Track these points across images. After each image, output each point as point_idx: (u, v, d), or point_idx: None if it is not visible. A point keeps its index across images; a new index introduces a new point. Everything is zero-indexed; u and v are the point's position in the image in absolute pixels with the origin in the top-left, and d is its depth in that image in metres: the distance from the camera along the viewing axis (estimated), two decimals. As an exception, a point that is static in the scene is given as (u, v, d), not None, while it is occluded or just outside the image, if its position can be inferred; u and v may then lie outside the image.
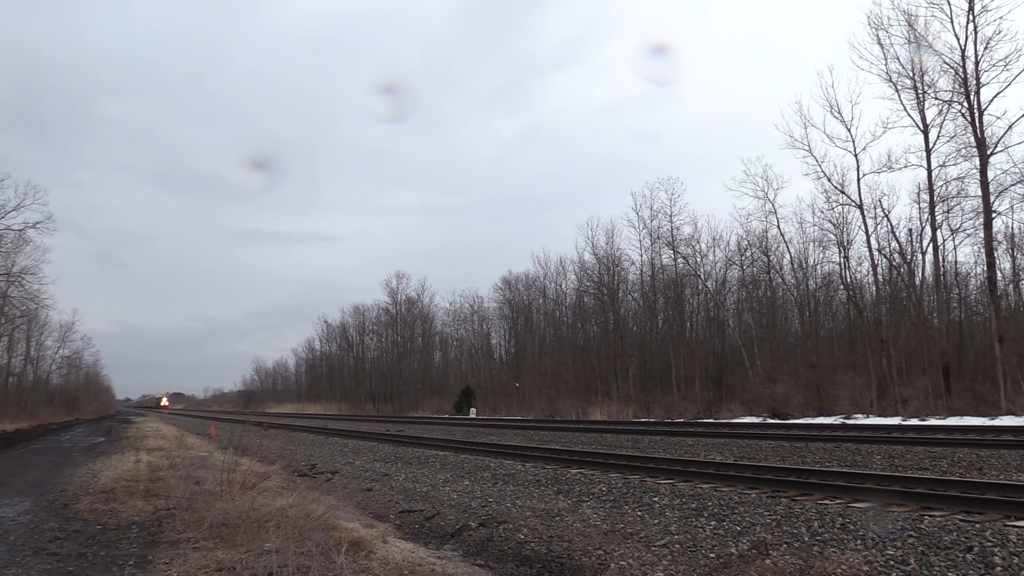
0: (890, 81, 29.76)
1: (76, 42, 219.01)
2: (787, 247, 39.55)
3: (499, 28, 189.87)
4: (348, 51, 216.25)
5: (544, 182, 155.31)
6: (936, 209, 29.98)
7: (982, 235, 28.54)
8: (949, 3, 27.13)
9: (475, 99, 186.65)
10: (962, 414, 23.70)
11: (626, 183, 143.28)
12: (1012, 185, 27.42)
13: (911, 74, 29.36)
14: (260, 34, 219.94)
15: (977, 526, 6.64)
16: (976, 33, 26.72)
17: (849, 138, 32.32)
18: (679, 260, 45.09)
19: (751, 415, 31.70)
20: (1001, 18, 26.37)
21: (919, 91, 29.27)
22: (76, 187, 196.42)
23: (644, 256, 48.02)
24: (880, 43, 29.75)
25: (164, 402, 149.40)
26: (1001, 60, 26.22)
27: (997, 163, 27.65)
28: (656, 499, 9.40)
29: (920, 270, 33.90)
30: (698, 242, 45.05)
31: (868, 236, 33.32)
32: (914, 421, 22.66)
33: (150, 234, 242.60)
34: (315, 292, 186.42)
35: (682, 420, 32.04)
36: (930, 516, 7.18)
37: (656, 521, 8.35)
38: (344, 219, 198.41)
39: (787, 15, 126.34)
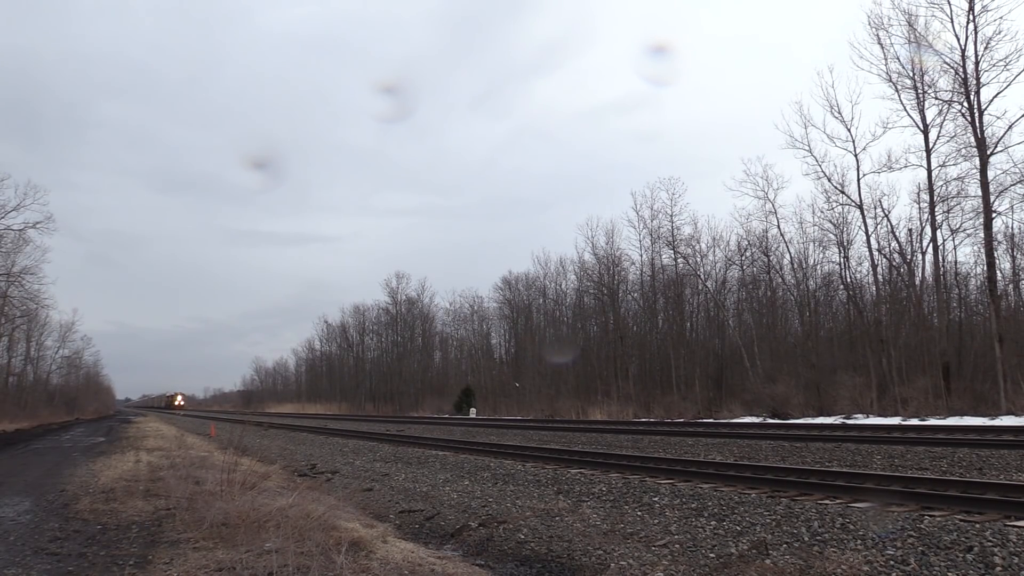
0: (890, 81, 29.79)
1: (73, 45, 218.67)
2: (787, 247, 39.59)
3: (482, 32, 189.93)
4: (341, 54, 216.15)
5: (540, 183, 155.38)
6: (936, 209, 29.99)
7: (982, 235, 28.54)
8: (949, 3, 27.17)
9: (460, 103, 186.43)
10: (962, 414, 23.69)
11: (626, 183, 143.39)
12: (1012, 185, 27.43)
13: (911, 74, 29.38)
14: (254, 37, 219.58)
15: (977, 526, 6.63)
16: (976, 33, 26.74)
17: (849, 138, 32.37)
18: (679, 260, 45.12)
19: (751, 415, 31.69)
20: (1001, 18, 26.36)
21: (919, 91, 29.30)
22: (73, 189, 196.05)
23: (644, 256, 48.06)
24: (880, 43, 29.79)
25: (179, 400, 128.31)
26: (1001, 60, 26.24)
27: (997, 163, 27.63)
28: (656, 499, 9.40)
29: (920, 270, 33.91)
30: (698, 242, 45.07)
31: (868, 236, 33.37)
32: (914, 421, 22.65)
33: (147, 235, 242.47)
34: (311, 293, 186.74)
35: (682, 420, 32.04)
36: (930, 516, 7.17)
37: (656, 521, 8.35)
38: (340, 220, 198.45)
39: (786, 15, 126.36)
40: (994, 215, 27.81)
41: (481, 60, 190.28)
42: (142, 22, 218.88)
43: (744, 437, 18.11)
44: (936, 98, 28.84)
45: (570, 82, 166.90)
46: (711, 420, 30.88)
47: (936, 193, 29.69)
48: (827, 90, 37.07)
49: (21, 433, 37.48)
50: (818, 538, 6.94)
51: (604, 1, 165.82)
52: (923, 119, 29.24)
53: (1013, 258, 33.16)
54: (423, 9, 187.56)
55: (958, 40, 27.17)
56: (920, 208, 32.38)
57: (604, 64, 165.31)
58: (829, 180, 33.51)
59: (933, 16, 27.81)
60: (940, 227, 30.70)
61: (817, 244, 38.55)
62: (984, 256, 29.42)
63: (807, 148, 33.37)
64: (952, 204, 30.10)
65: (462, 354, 75.57)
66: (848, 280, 36.74)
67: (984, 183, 27.01)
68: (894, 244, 34.04)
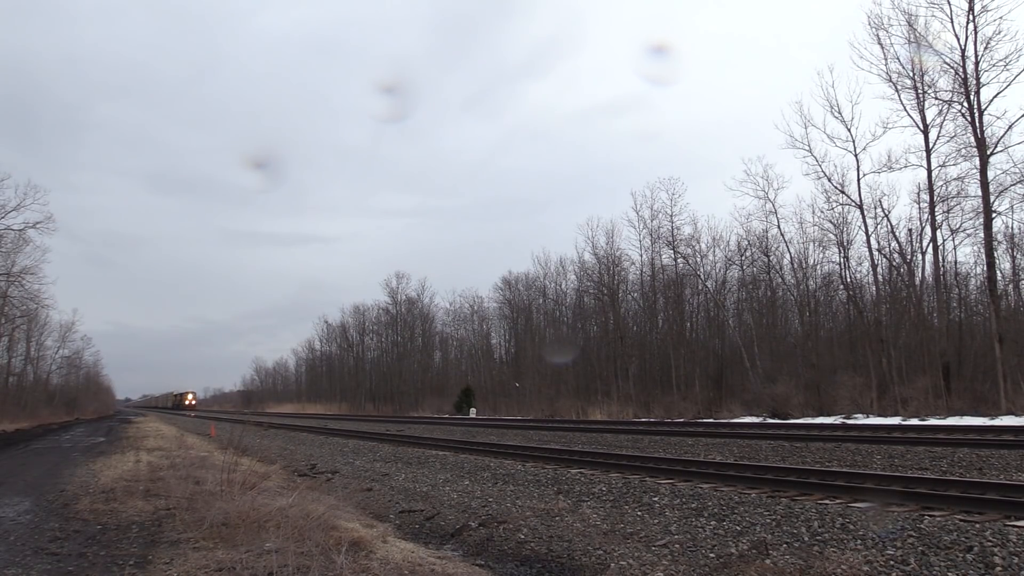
0: (890, 81, 29.81)
1: (71, 46, 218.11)
2: (787, 247, 39.61)
3: (473, 33, 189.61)
4: (338, 55, 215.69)
5: (538, 184, 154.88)
6: (936, 209, 30.00)
7: (982, 235, 28.56)
8: (949, 3, 27.18)
9: (453, 104, 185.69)
10: (962, 414, 23.70)
11: (625, 183, 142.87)
12: (1012, 185, 27.45)
13: (911, 74, 29.40)
14: (252, 38, 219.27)
15: (977, 526, 6.64)
16: (976, 33, 26.75)
17: (849, 138, 32.38)
18: (679, 260, 45.13)
19: (751, 415, 31.69)
20: (1001, 18, 26.38)
21: (919, 91, 29.31)
22: (71, 190, 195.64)
23: (644, 256, 48.09)
24: (880, 43, 29.80)
25: (190, 399, 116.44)
26: (1001, 60, 26.26)
27: (997, 163, 27.70)
28: (656, 499, 9.40)
29: (920, 270, 33.93)
30: (698, 242, 45.08)
31: (868, 236, 33.38)
32: (914, 421, 22.65)
33: (145, 236, 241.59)
34: (310, 294, 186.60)
35: (682, 420, 32.04)
36: (930, 516, 7.18)
37: (656, 521, 8.35)
38: (338, 221, 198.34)
39: (787, 14, 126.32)
40: (994, 215, 27.85)
41: (474, 62, 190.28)
42: (140, 23, 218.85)
43: (744, 437, 18.11)
44: (936, 98, 28.88)
45: (565, 83, 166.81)
46: (711, 420, 30.88)
47: (936, 193, 29.73)
48: (827, 90, 37.12)
49: (21, 433, 37.47)
50: (818, 538, 6.94)
51: (597, 2, 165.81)
52: (923, 119, 29.26)
53: (1013, 258, 33.19)
54: (417, 11, 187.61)
55: (958, 40, 27.21)
56: (920, 208, 32.46)
57: (600, 65, 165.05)
58: (829, 180, 33.57)
59: (933, 16, 27.87)
60: (940, 227, 30.75)
61: (817, 244, 38.60)
62: (984, 256, 29.45)
63: (807, 148, 33.43)
64: (952, 204, 30.16)
65: (462, 354, 75.59)
66: (848, 280, 36.78)
67: (984, 183, 27.02)
68: (894, 244, 34.09)
